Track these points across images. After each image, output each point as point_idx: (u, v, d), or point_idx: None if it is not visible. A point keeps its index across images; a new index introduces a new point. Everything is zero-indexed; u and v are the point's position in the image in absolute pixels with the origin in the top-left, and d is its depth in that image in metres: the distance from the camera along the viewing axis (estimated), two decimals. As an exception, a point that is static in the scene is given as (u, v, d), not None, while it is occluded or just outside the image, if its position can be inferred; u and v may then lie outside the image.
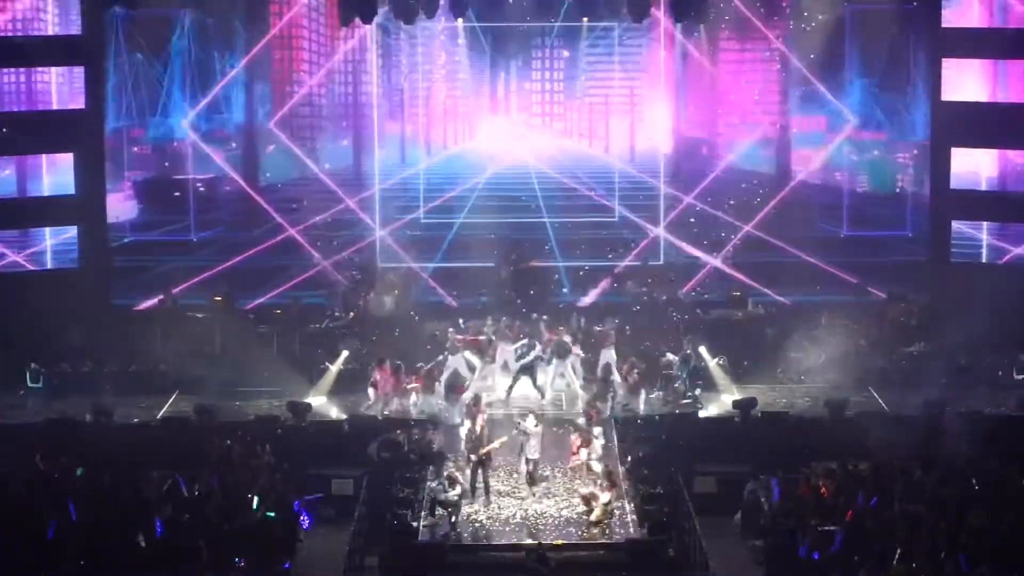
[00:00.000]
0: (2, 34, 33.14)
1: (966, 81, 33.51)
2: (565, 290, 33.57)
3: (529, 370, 28.27)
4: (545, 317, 30.09)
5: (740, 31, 34.91)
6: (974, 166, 33.77)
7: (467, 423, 24.64)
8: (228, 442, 24.86)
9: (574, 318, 30.56)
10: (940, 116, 32.66)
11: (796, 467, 24.24)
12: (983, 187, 33.88)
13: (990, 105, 33.21)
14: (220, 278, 33.22)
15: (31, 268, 33.04)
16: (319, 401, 28.20)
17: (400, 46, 36.19)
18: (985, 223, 33.33)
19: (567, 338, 28.82)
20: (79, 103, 32.92)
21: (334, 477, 25.11)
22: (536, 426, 24.21)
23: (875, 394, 28.60)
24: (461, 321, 29.93)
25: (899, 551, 19.92)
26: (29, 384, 29.27)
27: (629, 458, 25.12)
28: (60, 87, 33.97)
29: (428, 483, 23.64)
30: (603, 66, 36.41)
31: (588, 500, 22.98)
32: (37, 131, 32.11)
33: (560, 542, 22.07)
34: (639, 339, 30.25)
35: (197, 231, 34.69)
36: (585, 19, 35.38)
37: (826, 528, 21.29)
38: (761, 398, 28.10)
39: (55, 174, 33.73)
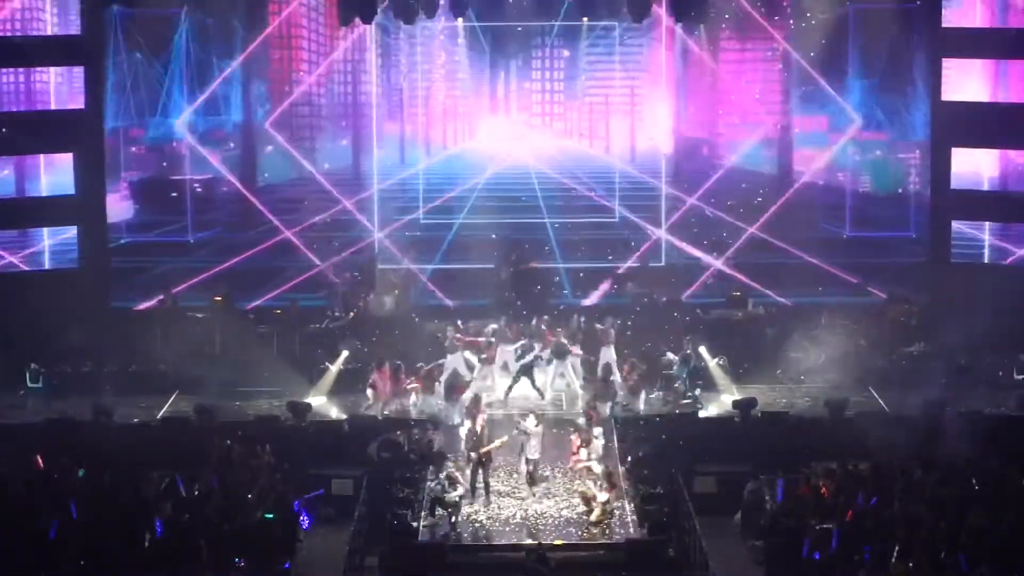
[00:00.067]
0: (1, 34, 33.14)
1: (967, 81, 33.49)
2: (566, 292, 33.48)
3: (528, 371, 28.27)
4: (545, 318, 30.08)
5: (740, 31, 34.85)
6: (974, 166, 33.74)
7: (467, 423, 24.64)
8: (228, 442, 24.84)
9: (574, 318, 30.55)
10: (940, 116, 32.65)
11: (796, 467, 24.22)
12: (985, 187, 33.83)
13: (990, 105, 33.18)
14: (218, 279, 33.13)
15: (30, 268, 33.01)
16: (319, 401, 28.19)
17: (399, 46, 36.12)
18: (987, 224, 33.29)
19: (564, 340, 28.80)
20: (78, 103, 32.88)
21: (334, 477, 25.09)
22: (536, 426, 24.21)
23: (875, 394, 28.59)
24: (459, 322, 29.88)
25: (896, 549, 19.90)
26: (29, 384, 29.26)
27: (629, 458, 25.12)
28: (59, 87, 33.92)
29: (428, 483, 23.63)
30: (603, 66, 36.34)
31: (588, 500, 22.98)
32: (37, 131, 32.07)
33: (560, 542, 22.08)
34: (640, 340, 30.22)
35: (194, 232, 34.57)
36: (585, 19, 35.33)
37: (826, 528, 21.28)
38: (761, 398, 28.09)
39: (53, 174, 33.67)
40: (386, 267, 33.63)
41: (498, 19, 34.97)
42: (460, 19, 34.53)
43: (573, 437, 24.67)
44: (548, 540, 21.95)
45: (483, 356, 28.61)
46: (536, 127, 36.73)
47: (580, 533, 22.56)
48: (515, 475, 24.43)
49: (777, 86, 35.41)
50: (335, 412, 27.86)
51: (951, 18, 32.93)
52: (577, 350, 28.94)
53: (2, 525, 20.92)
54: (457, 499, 22.84)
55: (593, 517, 22.79)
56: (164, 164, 35.19)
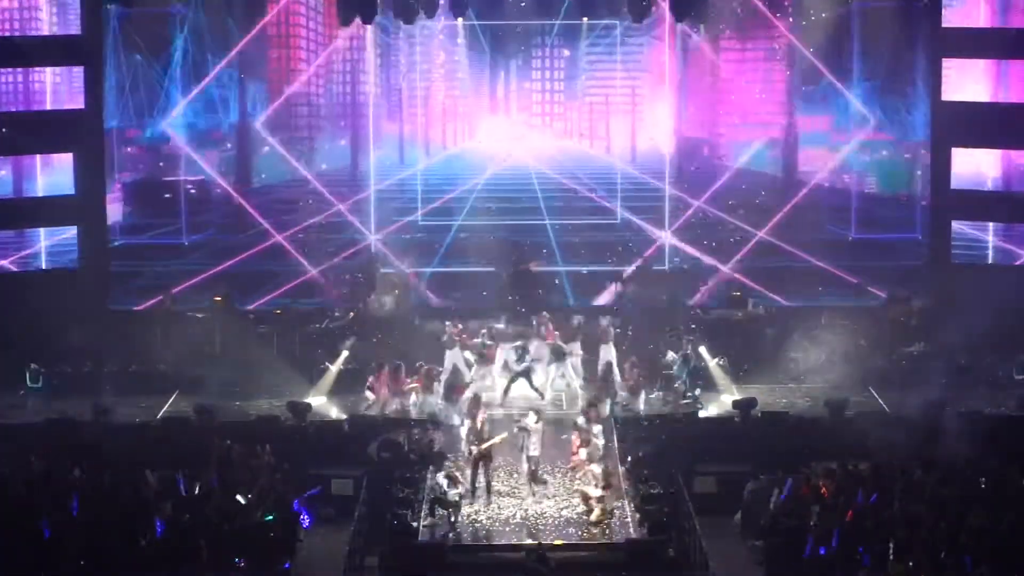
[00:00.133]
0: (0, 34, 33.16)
1: (969, 81, 33.46)
2: (568, 296, 33.36)
3: (525, 373, 28.24)
4: (545, 314, 30.06)
5: (741, 30, 34.77)
6: (975, 167, 33.72)
7: (467, 422, 24.62)
8: (228, 442, 24.83)
9: (574, 318, 30.52)
10: (940, 116, 32.64)
11: (796, 467, 24.21)
12: (989, 188, 33.80)
13: (990, 105, 33.16)
14: (215, 282, 32.99)
15: (29, 269, 32.97)
16: (319, 401, 28.18)
17: (399, 45, 36.06)
18: (991, 225, 33.25)
19: (561, 342, 28.80)
20: (75, 103, 32.85)
21: (334, 477, 25.07)
22: (537, 422, 24.17)
23: (875, 394, 28.58)
24: (458, 323, 29.82)
25: (892, 548, 19.89)
26: (29, 384, 29.22)
27: (629, 458, 25.10)
28: (57, 87, 33.85)
29: (428, 483, 23.62)
30: (604, 65, 36.23)
31: (588, 500, 22.98)
32: (37, 131, 32.06)
33: (560, 542, 22.06)
34: (641, 340, 30.19)
35: (188, 234, 34.37)
36: (585, 18, 35.25)
37: (826, 527, 21.28)
38: (761, 398, 28.07)
39: (49, 175, 33.63)
40: (387, 271, 33.47)
41: (498, 18, 34.90)
42: (460, 19, 34.45)
43: (573, 437, 24.64)
44: (548, 540, 21.93)
45: (484, 352, 28.59)
46: (536, 127, 36.66)
47: (580, 533, 22.54)
48: (515, 475, 24.41)
49: (778, 86, 35.26)
50: (335, 412, 27.85)
51: (952, 18, 32.90)
52: (577, 349, 28.93)
53: (2, 525, 20.91)
54: (457, 499, 22.84)
55: (593, 517, 22.79)
56: (161, 164, 35.02)
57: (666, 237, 34.44)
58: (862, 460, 24.03)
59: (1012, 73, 33.42)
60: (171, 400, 28.53)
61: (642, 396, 27.96)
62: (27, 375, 29.21)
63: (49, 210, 32.84)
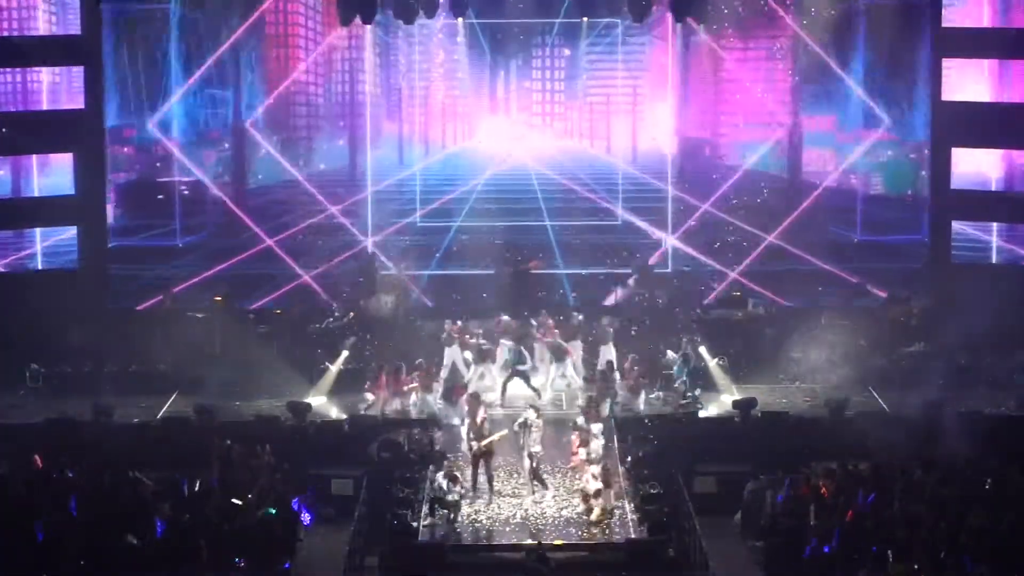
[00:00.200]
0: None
1: (969, 81, 33.44)
2: (569, 299, 33.30)
3: (522, 373, 28.23)
4: (544, 313, 30.05)
5: (743, 29, 34.65)
6: (976, 166, 33.69)
7: (467, 420, 24.61)
8: (228, 442, 24.82)
9: (575, 317, 30.53)
10: (940, 116, 32.63)
11: (796, 467, 24.22)
12: (991, 188, 33.77)
13: (990, 105, 33.16)
14: (214, 282, 32.92)
15: (26, 270, 32.95)
16: (319, 401, 28.17)
17: (398, 45, 35.98)
18: (995, 226, 33.21)
19: (561, 341, 28.79)
20: (74, 102, 32.83)
21: (334, 477, 25.09)
22: (537, 418, 24.15)
23: (875, 394, 28.59)
24: (457, 321, 29.83)
25: (890, 550, 19.89)
26: (29, 384, 29.25)
27: (629, 458, 25.11)
28: (55, 87, 33.78)
29: (428, 483, 23.62)
30: (604, 65, 36.07)
31: (587, 500, 22.97)
32: (37, 131, 32.06)
33: (560, 542, 22.06)
34: (643, 340, 30.18)
35: (182, 236, 34.07)
36: (585, 17, 35.18)
37: (826, 527, 21.27)
38: (761, 398, 28.07)
39: (47, 175, 33.58)
40: (387, 273, 33.40)
41: (498, 18, 34.81)
42: (460, 18, 34.40)
43: (573, 436, 24.64)
44: (548, 540, 21.92)
45: (484, 349, 28.56)
46: (536, 127, 36.53)
47: (580, 533, 22.54)
48: (515, 475, 24.42)
49: (780, 85, 35.03)
50: (335, 412, 27.85)
51: (952, 17, 32.89)
52: (578, 349, 28.91)
53: (2, 525, 20.90)
54: (457, 499, 22.84)
55: (593, 517, 22.79)
56: (157, 165, 34.77)
57: (669, 240, 34.33)
58: (862, 460, 24.04)
59: (1013, 73, 33.40)
60: (171, 400, 28.53)
61: (642, 396, 27.97)
62: (27, 375, 29.26)
63: (49, 210, 32.83)
